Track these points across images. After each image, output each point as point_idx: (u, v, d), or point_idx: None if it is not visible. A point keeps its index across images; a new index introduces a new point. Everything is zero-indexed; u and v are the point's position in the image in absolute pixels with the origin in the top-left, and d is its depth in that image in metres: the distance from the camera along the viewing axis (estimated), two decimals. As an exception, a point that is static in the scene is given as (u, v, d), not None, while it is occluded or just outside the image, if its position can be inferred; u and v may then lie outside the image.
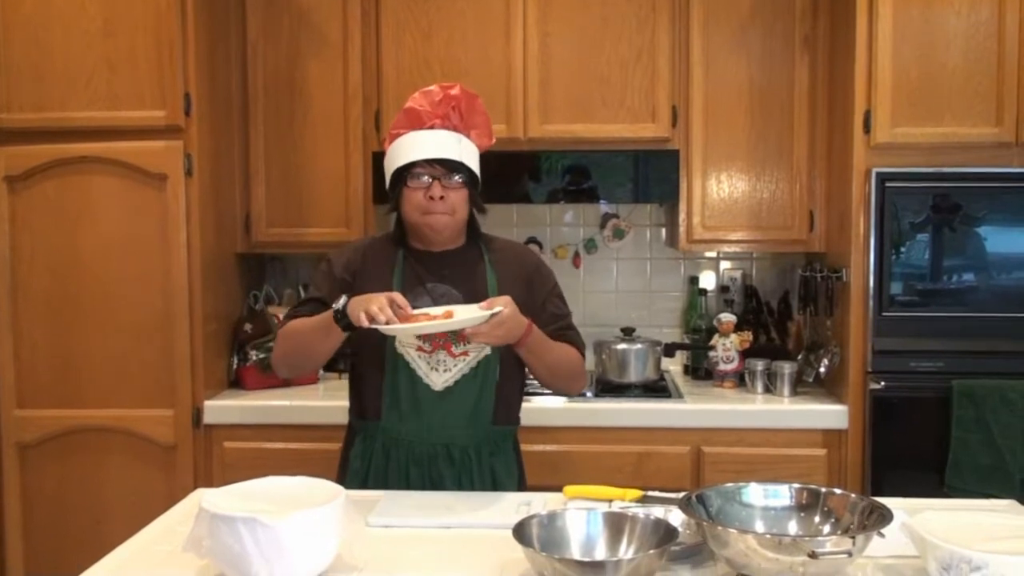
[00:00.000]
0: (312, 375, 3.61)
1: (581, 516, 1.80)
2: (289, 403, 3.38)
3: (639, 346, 3.60)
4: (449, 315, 2.16)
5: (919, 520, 1.73)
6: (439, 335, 2.31)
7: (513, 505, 2.14)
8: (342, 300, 2.19)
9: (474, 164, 2.37)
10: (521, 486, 2.51)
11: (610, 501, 2.13)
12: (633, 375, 3.58)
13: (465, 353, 2.34)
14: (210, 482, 3.30)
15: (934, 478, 3.18)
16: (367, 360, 2.41)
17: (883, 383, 3.21)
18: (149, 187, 3.29)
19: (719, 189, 3.60)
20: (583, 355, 2.51)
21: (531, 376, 2.48)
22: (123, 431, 3.34)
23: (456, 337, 2.31)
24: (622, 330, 3.71)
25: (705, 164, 3.59)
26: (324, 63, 3.62)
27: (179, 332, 3.31)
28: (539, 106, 3.57)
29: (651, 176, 3.57)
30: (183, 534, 1.73)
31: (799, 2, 3.54)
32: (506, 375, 2.41)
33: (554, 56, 3.58)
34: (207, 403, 3.36)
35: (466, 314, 2.15)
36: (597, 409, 3.37)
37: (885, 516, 1.67)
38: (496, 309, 2.13)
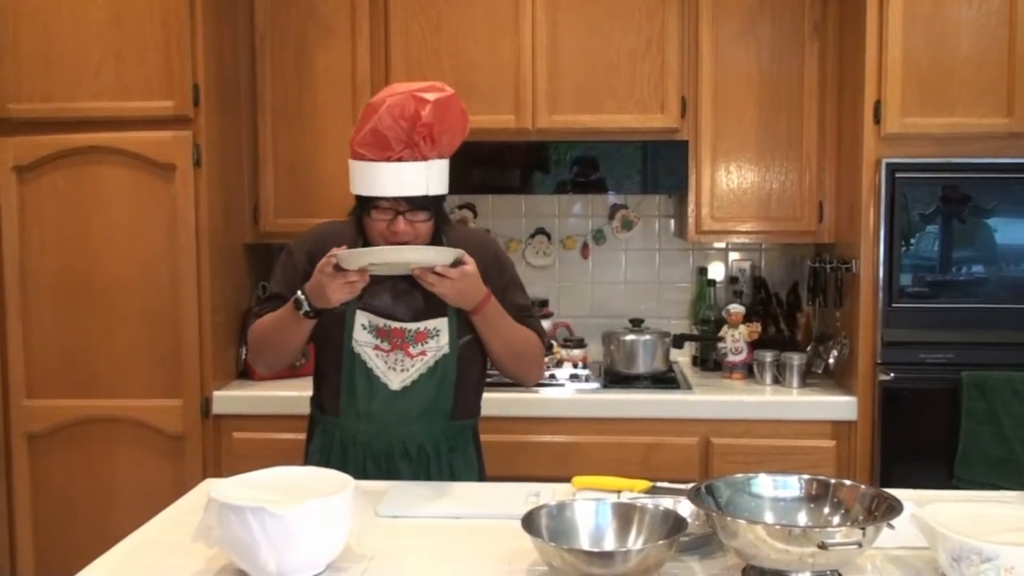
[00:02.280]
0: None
1: (590, 507, 1.80)
2: (298, 393, 3.37)
3: (648, 337, 3.60)
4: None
5: (929, 511, 1.72)
6: (396, 335, 2.30)
7: (522, 496, 2.14)
8: (301, 297, 2.21)
9: (442, 184, 2.28)
10: (481, 478, 2.49)
11: (619, 492, 2.13)
12: (642, 366, 3.57)
13: (423, 353, 2.33)
14: (219, 472, 3.31)
15: (944, 470, 3.17)
16: (326, 357, 2.40)
17: (892, 374, 3.20)
18: (158, 177, 3.29)
19: (728, 180, 3.59)
20: (544, 344, 2.48)
21: (491, 368, 2.47)
22: (132, 421, 3.35)
23: (414, 337, 2.31)
24: (631, 321, 3.70)
25: (714, 155, 3.58)
26: (332, 54, 3.61)
27: (187, 322, 3.31)
28: (548, 97, 3.56)
29: (660, 167, 3.56)
30: (192, 524, 1.74)
31: (809, -10, 3.53)
32: (465, 370, 2.39)
33: (563, 47, 3.57)
34: (216, 393, 3.37)
35: (428, 251, 2.17)
36: (606, 400, 3.36)
37: (895, 507, 1.67)
38: (463, 255, 2.16)
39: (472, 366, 2.41)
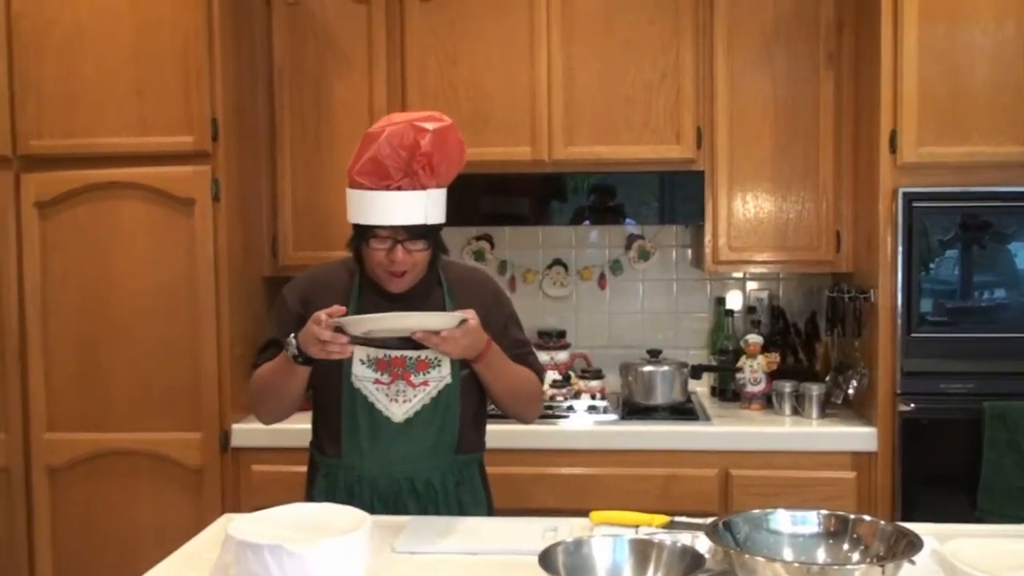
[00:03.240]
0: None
1: (607, 543, 1.79)
2: (316, 426, 3.38)
3: (665, 368, 3.59)
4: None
5: (949, 548, 1.71)
6: (397, 364, 2.29)
7: (539, 531, 2.13)
8: (292, 342, 2.18)
9: (440, 213, 2.29)
10: (490, 513, 2.47)
11: (636, 527, 2.12)
12: (660, 397, 3.56)
13: (425, 383, 2.31)
14: (237, 506, 3.31)
15: (966, 501, 3.14)
16: (325, 395, 2.38)
17: (913, 405, 3.18)
18: (177, 212, 3.32)
19: (745, 210, 3.59)
20: (542, 381, 2.49)
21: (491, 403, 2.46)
22: (151, 454, 3.36)
23: (416, 365, 2.30)
24: (648, 352, 3.69)
25: (730, 184, 3.58)
26: (349, 87, 3.65)
27: (206, 356, 3.33)
28: (564, 128, 3.58)
29: (676, 197, 3.57)
30: (210, 561, 1.74)
31: (823, 19, 3.53)
32: (467, 402, 2.37)
33: (578, 79, 3.59)
34: (235, 426, 3.38)
35: (432, 318, 2.15)
36: (623, 432, 3.35)
37: (915, 543, 1.66)
38: (467, 314, 2.13)
39: (472, 399, 2.40)
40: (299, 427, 3.37)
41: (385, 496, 2.33)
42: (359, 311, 2.31)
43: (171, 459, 3.36)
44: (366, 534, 1.74)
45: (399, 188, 2.20)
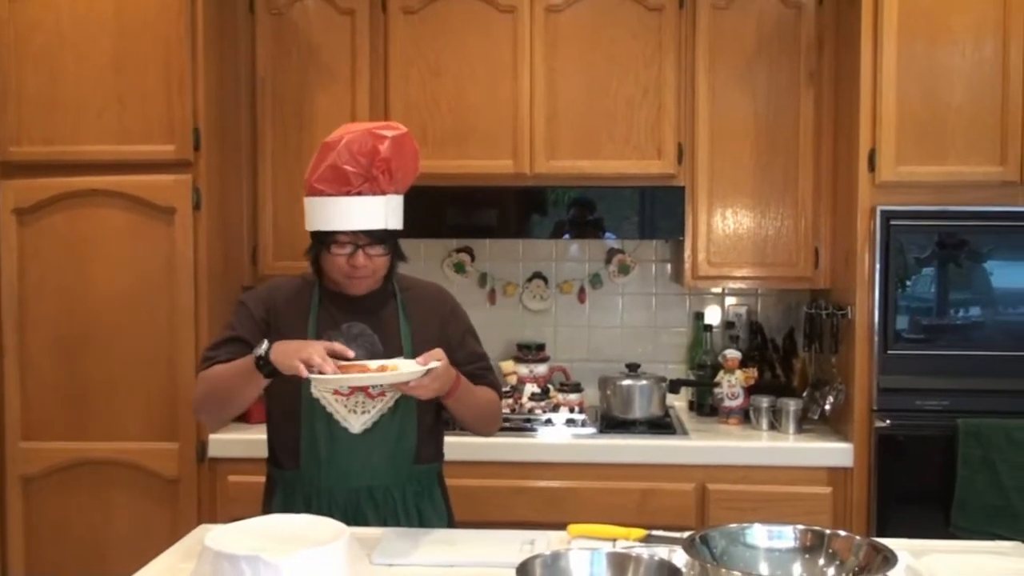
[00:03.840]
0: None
1: (585, 556, 1.80)
2: (294, 437, 3.37)
3: (644, 382, 3.60)
4: (384, 369, 2.12)
5: (924, 563, 1.72)
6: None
7: (517, 544, 2.13)
8: (263, 346, 2.13)
9: (398, 219, 2.31)
10: (450, 524, 2.47)
11: (614, 540, 2.12)
12: (638, 411, 3.57)
13: (383, 394, 2.31)
14: (214, 516, 3.30)
15: (940, 517, 3.16)
16: (280, 408, 2.37)
17: (888, 421, 3.20)
18: (157, 220, 3.31)
19: (724, 225, 3.61)
20: (500, 396, 2.53)
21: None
22: (127, 464, 3.34)
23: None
24: (627, 366, 3.70)
25: (711, 200, 3.60)
26: (332, 97, 3.65)
27: (185, 365, 3.31)
28: (545, 142, 3.59)
29: (657, 212, 3.58)
30: (186, 571, 1.74)
31: (804, 37, 3.56)
32: (424, 411, 2.38)
33: (561, 93, 3.60)
34: (212, 437, 3.36)
35: (403, 367, 2.13)
36: (601, 445, 3.36)
37: (889, 559, 1.67)
38: (432, 364, 2.11)
39: (429, 409, 2.39)
40: (277, 438, 3.37)
41: (344, 507, 2.32)
42: (318, 324, 2.34)
43: (147, 469, 3.34)
44: (344, 545, 1.74)
45: (359, 194, 2.23)
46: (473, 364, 2.43)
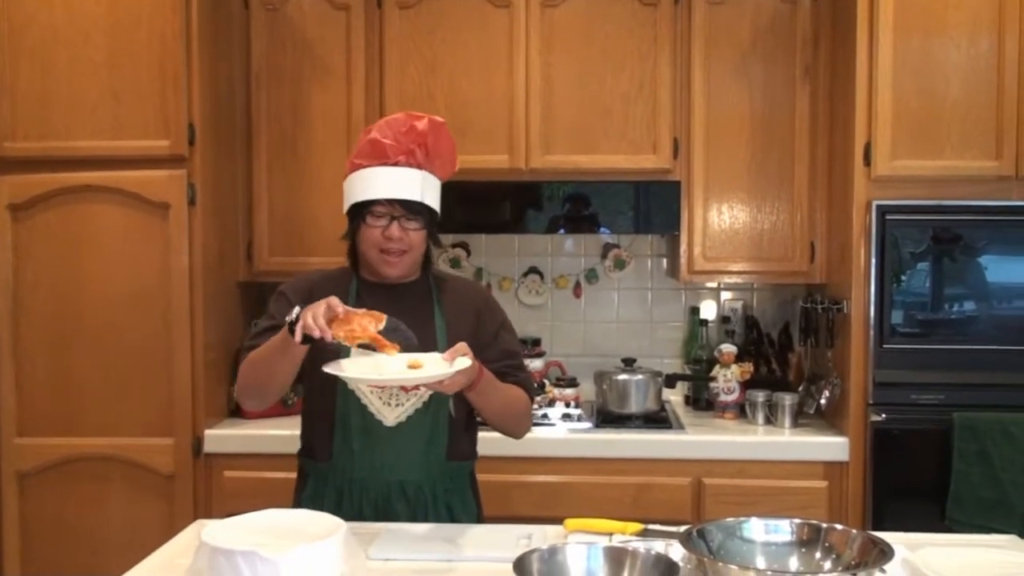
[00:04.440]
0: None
1: (581, 551, 1.80)
2: (289, 432, 3.36)
3: (640, 377, 3.60)
4: (415, 365, 2.10)
5: (920, 556, 1.72)
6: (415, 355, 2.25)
7: (513, 538, 2.13)
8: (295, 311, 2.08)
9: (435, 200, 2.35)
10: (479, 522, 2.46)
11: (610, 535, 2.13)
12: (634, 406, 3.57)
13: (418, 388, 2.30)
14: (210, 512, 3.30)
15: (935, 511, 3.16)
16: (317, 398, 2.37)
17: (884, 415, 3.21)
18: (152, 216, 3.30)
19: (720, 220, 3.61)
20: (532, 398, 2.48)
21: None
22: (123, 460, 3.33)
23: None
24: (623, 360, 3.71)
25: (706, 195, 3.60)
26: (327, 93, 3.64)
27: (180, 360, 3.31)
28: (541, 137, 3.59)
29: (652, 207, 3.58)
30: (183, 567, 1.73)
31: (800, 32, 3.56)
32: (458, 408, 2.37)
33: (556, 88, 3.60)
34: (207, 432, 3.36)
35: (430, 364, 2.11)
36: (598, 440, 3.36)
37: (886, 552, 1.67)
38: (459, 363, 2.08)
39: (464, 406, 2.39)
40: (272, 433, 3.38)
41: (375, 501, 2.33)
42: None
43: (143, 465, 3.33)
44: (340, 540, 1.73)
45: (396, 164, 2.27)
46: (503, 362, 2.40)
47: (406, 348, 2.25)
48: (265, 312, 2.45)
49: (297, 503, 2.41)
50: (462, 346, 2.14)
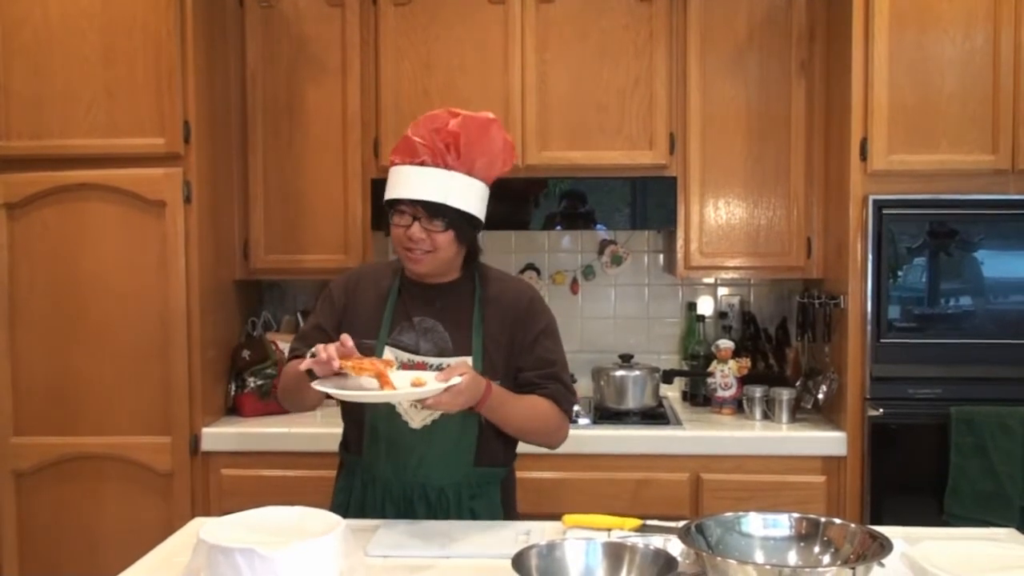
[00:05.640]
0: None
1: (580, 547, 1.79)
2: (287, 430, 3.37)
3: (637, 372, 3.60)
4: (419, 383, 2.06)
5: (919, 550, 1.73)
6: (419, 369, 2.24)
7: (512, 535, 2.13)
8: (310, 352, 2.08)
9: (467, 201, 2.24)
10: None
11: (609, 530, 2.12)
12: (631, 402, 3.57)
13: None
14: (207, 510, 3.29)
15: (933, 505, 3.17)
16: None
17: (881, 410, 3.21)
18: (148, 214, 3.30)
19: (717, 215, 3.61)
20: (565, 408, 2.38)
21: None
22: (120, 458, 3.33)
23: (439, 372, 2.22)
24: (620, 356, 3.71)
25: (703, 190, 3.60)
26: (323, 90, 3.64)
27: (177, 359, 3.30)
28: (537, 133, 3.59)
29: (649, 202, 3.58)
30: (181, 564, 1.73)
31: (796, 27, 3.56)
32: None
33: (552, 84, 3.60)
34: (205, 430, 3.36)
35: (431, 383, 2.06)
36: (595, 436, 3.36)
37: (885, 546, 1.67)
38: (453, 381, 2.03)
39: None
40: (269, 431, 3.38)
41: (397, 501, 2.32)
42: (393, 313, 2.34)
43: (140, 463, 3.32)
44: (338, 538, 1.73)
45: (423, 164, 2.22)
46: (537, 371, 2.34)
47: (440, 350, 2.26)
48: (314, 308, 2.48)
49: (334, 492, 2.46)
50: (461, 366, 2.12)
